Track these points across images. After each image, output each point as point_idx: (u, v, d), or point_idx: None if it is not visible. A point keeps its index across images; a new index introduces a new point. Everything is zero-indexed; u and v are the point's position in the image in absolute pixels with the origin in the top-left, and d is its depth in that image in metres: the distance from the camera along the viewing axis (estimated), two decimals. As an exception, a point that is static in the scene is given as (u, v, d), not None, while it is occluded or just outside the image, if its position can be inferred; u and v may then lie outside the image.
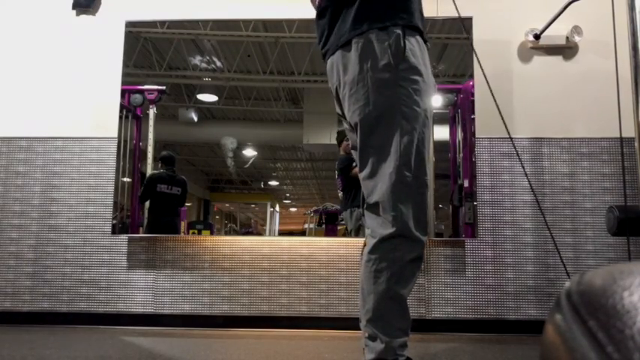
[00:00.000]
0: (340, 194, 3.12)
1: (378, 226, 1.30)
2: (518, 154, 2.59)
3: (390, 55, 1.30)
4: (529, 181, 2.47)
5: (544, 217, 2.48)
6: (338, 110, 1.51)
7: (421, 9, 1.44)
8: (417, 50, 1.34)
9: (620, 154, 2.80)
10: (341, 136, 3.05)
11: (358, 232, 2.99)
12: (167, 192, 3.07)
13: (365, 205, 1.36)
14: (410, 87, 1.30)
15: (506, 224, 2.86)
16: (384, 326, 1.26)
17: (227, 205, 3.47)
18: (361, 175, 1.37)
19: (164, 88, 3.17)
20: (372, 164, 1.33)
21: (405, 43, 1.30)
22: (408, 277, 1.29)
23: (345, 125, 1.47)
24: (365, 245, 1.37)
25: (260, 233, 3.32)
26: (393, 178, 1.28)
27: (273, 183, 3.38)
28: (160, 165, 3.10)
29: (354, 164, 3.03)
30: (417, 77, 1.31)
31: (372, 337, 1.28)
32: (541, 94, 2.94)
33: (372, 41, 1.31)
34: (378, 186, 1.31)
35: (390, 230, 1.27)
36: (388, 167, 1.29)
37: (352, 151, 1.49)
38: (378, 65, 1.30)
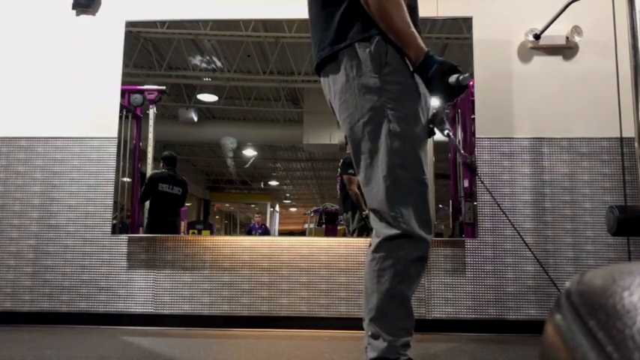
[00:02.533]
0: (339, 195, 3.11)
1: (381, 227, 1.31)
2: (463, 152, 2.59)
3: (372, 59, 1.31)
4: (486, 187, 2.47)
5: (513, 225, 2.48)
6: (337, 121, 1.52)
7: (416, 20, 1.42)
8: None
9: (620, 154, 2.80)
10: None
11: (361, 233, 2.99)
12: (168, 192, 3.07)
13: (369, 209, 1.37)
14: (396, 89, 1.31)
15: (506, 224, 2.86)
16: (387, 325, 1.26)
17: (227, 205, 3.47)
18: (361, 181, 1.38)
19: (164, 88, 3.17)
20: (366, 170, 1.34)
21: (387, 46, 1.31)
22: (413, 277, 1.29)
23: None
24: (370, 245, 1.38)
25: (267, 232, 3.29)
26: (389, 181, 1.29)
27: (273, 183, 3.38)
28: (161, 165, 3.10)
29: (350, 171, 3.03)
30: (402, 78, 1.32)
31: (374, 336, 1.28)
32: (541, 94, 2.94)
33: (356, 50, 1.33)
34: (375, 190, 1.32)
35: (393, 231, 1.27)
36: (382, 171, 1.30)
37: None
38: (362, 72, 1.32)
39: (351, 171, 3.03)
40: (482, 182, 2.33)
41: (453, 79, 1.27)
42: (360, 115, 1.32)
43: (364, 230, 2.99)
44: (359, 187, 2.96)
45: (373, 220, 1.35)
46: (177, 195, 3.09)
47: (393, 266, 1.27)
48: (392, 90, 1.31)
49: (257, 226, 3.24)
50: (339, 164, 3.13)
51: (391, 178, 1.29)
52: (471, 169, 2.21)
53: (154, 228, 3.04)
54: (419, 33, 1.37)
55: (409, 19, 1.30)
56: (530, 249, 2.41)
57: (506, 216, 2.48)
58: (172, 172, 3.11)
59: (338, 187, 3.13)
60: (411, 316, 1.30)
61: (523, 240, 2.30)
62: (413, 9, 1.42)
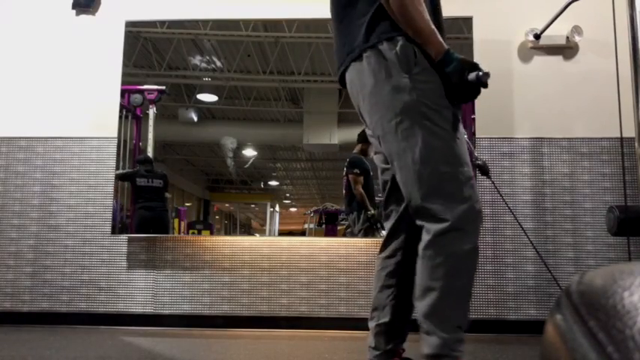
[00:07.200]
0: (344, 195, 3.10)
1: (430, 224, 1.30)
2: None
3: (399, 60, 1.32)
4: (497, 189, 2.47)
5: (519, 222, 2.47)
6: (365, 126, 1.51)
7: (440, 20, 1.43)
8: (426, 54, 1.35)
9: (620, 154, 2.80)
10: (361, 138, 3.02)
11: (367, 234, 2.98)
12: (147, 185, 3.06)
13: (412, 209, 1.35)
14: (427, 87, 1.31)
15: (506, 224, 2.86)
16: (441, 323, 1.26)
17: (227, 205, 3.47)
18: (400, 182, 1.37)
19: (164, 88, 3.17)
20: (408, 170, 1.33)
21: (413, 46, 1.32)
22: (467, 271, 1.30)
23: (373, 140, 1.47)
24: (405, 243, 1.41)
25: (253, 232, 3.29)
26: (433, 178, 1.29)
27: (273, 183, 3.38)
28: (137, 168, 3.09)
29: (355, 170, 3.01)
30: (432, 77, 1.33)
31: (428, 333, 1.28)
32: (541, 94, 2.94)
33: (382, 52, 1.33)
34: (419, 189, 1.31)
35: (441, 226, 1.27)
36: (424, 169, 1.30)
37: (375, 156, 1.50)
38: (391, 73, 1.32)
39: (356, 170, 3.02)
40: (494, 184, 2.32)
41: (472, 75, 1.27)
42: (393, 115, 1.32)
43: (370, 231, 2.99)
44: (364, 187, 2.98)
45: (418, 218, 1.34)
46: (158, 187, 3.09)
47: (446, 263, 1.26)
48: (423, 89, 1.31)
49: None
50: (345, 164, 3.10)
51: (436, 175, 1.29)
52: (484, 172, 2.20)
53: (140, 223, 3.03)
54: (443, 33, 1.37)
55: (428, 17, 1.31)
56: (533, 245, 2.41)
57: (513, 214, 2.48)
58: (150, 169, 3.09)
59: (344, 187, 3.10)
60: (466, 313, 1.30)
61: (528, 238, 2.29)
62: (435, 8, 1.42)
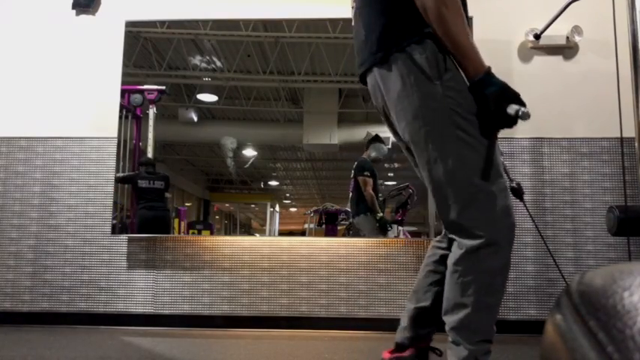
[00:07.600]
0: (350, 197, 3.09)
1: (462, 239, 1.26)
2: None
3: (431, 67, 1.25)
4: (530, 214, 2.46)
5: (534, 221, 2.48)
6: (389, 130, 1.47)
7: (466, 15, 1.34)
8: None
9: (620, 154, 2.80)
10: (370, 141, 3.02)
11: (376, 236, 2.98)
12: (149, 186, 3.07)
13: (445, 223, 1.31)
14: (458, 95, 1.25)
15: (506, 224, 2.85)
16: (469, 336, 1.25)
17: (227, 205, 3.47)
18: (431, 192, 1.33)
19: (164, 88, 3.17)
20: (439, 182, 1.28)
21: (443, 53, 1.26)
22: (498, 287, 1.27)
23: (401, 144, 1.44)
24: (437, 250, 1.38)
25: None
26: (467, 192, 1.24)
27: (273, 183, 3.38)
28: (140, 169, 3.09)
29: (365, 173, 3.00)
30: (463, 86, 1.27)
31: (455, 343, 1.27)
32: (541, 94, 2.94)
33: (412, 55, 1.26)
34: (452, 204, 1.26)
35: (475, 242, 1.23)
36: (457, 182, 1.25)
37: (416, 169, 1.45)
38: (421, 79, 1.26)
39: (366, 173, 3.02)
40: (527, 208, 2.30)
41: (512, 110, 1.17)
42: (423, 123, 1.26)
43: (380, 232, 2.99)
44: (374, 189, 2.98)
45: (450, 230, 1.30)
46: (160, 189, 3.09)
47: (477, 280, 1.23)
48: (455, 96, 1.25)
49: None
50: (354, 167, 3.09)
51: (469, 187, 1.24)
52: (517, 195, 2.15)
53: (142, 224, 3.03)
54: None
55: (468, 29, 1.23)
56: (546, 245, 2.41)
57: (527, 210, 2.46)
58: (152, 171, 3.09)
59: (350, 189, 3.09)
60: (494, 325, 1.28)
61: (542, 237, 2.29)
62: (463, 1, 1.33)
